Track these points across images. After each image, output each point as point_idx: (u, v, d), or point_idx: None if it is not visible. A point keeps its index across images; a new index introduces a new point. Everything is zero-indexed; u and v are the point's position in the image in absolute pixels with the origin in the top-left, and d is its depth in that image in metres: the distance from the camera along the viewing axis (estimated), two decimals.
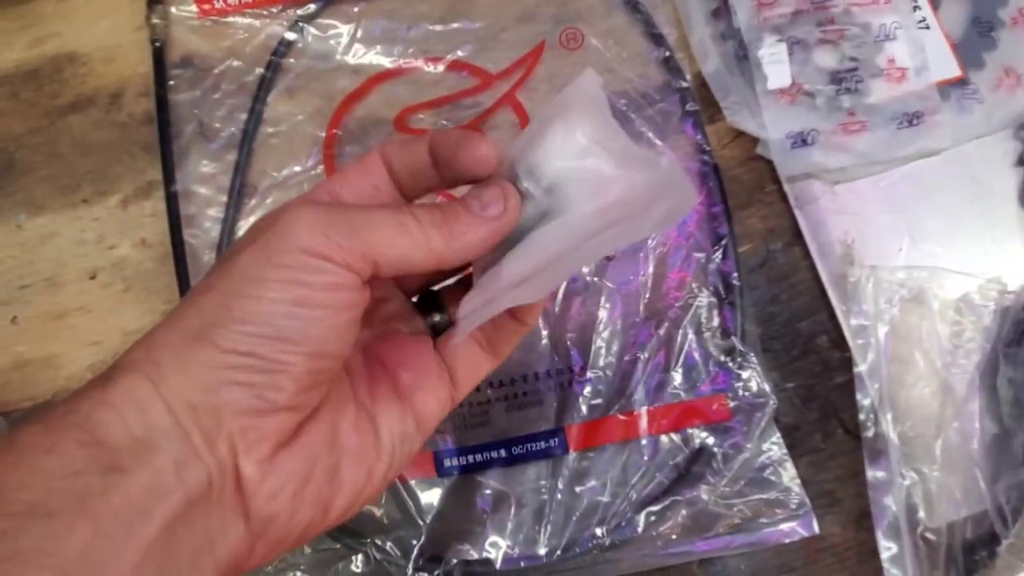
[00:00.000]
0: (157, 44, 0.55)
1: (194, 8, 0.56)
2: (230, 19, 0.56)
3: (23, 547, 0.22)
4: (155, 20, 0.55)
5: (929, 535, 0.46)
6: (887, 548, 0.46)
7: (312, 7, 0.56)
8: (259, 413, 0.27)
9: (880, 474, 0.47)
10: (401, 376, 0.33)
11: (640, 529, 0.47)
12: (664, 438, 0.49)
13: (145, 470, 0.25)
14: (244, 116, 0.54)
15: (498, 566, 0.46)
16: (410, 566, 0.46)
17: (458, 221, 0.29)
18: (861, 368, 0.49)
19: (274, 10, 0.56)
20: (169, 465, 0.25)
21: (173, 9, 0.56)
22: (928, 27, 0.54)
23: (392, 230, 0.28)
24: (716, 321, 0.50)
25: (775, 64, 0.54)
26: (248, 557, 0.28)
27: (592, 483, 0.48)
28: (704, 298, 0.51)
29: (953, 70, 0.54)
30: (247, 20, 0.56)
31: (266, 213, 0.29)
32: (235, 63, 0.55)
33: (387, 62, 0.55)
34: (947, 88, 0.54)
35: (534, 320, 0.37)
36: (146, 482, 0.25)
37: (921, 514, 0.46)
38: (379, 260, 0.28)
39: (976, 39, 0.54)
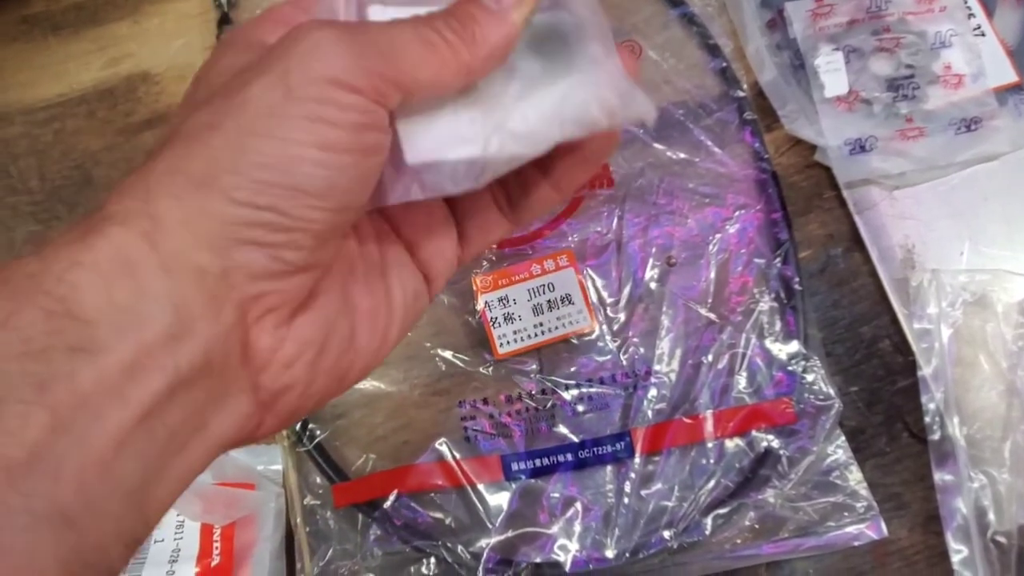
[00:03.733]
0: None
1: None
2: None
3: None
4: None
5: (1000, 538, 0.46)
6: (957, 551, 0.46)
7: None
8: (276, 276, 0.23)
9: (948, 477, 0.47)
10: (405, 230, 0.30)
11: (708, 532, 0.47)
12: (729, 442, 0.49)
13: (126, 346, 0.20)
14: None
15: (567, 569, 0.47)
16: (480, 569, 0.46)
17: (478, 24, 0.25)
18: (925, 371, 0.49)
19: None
20: (159, 339, 0.21)
21: None
22: (983, 34, 0.55)
23: (420, 48, 0.24)
24: (778, 325, 0.51)
25: (832, 72, 0.54)
26: (255, 430, 0.25)
27: (659, 486, 0.48)
28: (766, 303, 0.51)
29: (1010, 76, 0.54)
30: None
31: (255, 62, 0.24)
32: None
33: None
34: (1004, 93, 0.54)
35: (571, 190, 0.31)
36: (125, 361, 0.20)
37: (991, 517, 0.46)
38: (410, 86, 0.24)
39: None
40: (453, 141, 0.26)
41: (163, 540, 0.48)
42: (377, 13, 0.26)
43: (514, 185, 0.31)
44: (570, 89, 0.26)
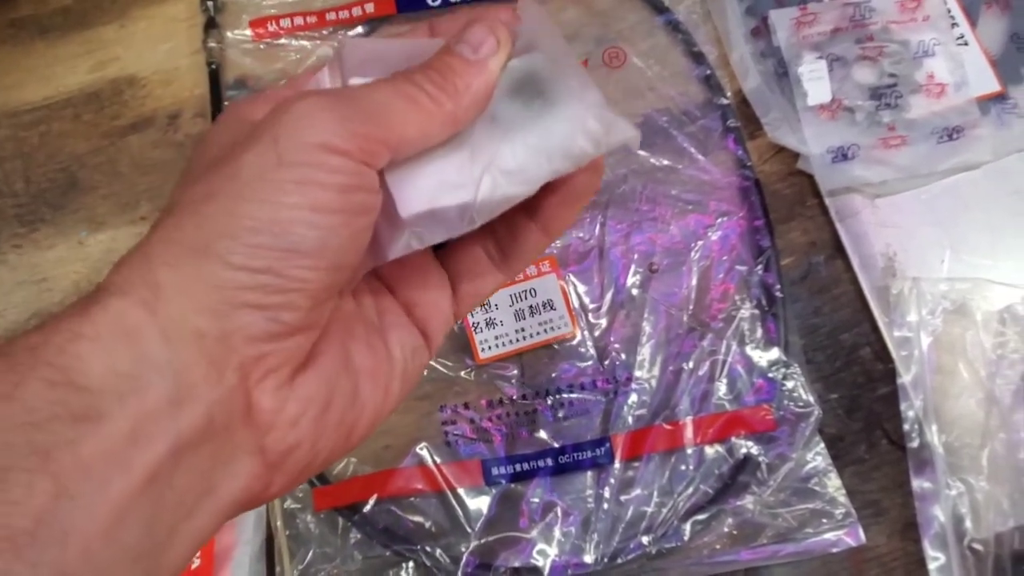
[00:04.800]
0: (213, 67, 0.57)
1: (248, 32, 0.58)
2: (282, 41, 0.58)
3: None
4: (211, 44, 0.57)
5: (976, 545, 0.46)
6: (934, 558, 0.46)
7: (361, 29, 0.58)
8: (275, 337, 0.24)
9: (926, 484, 0.47)
10: (401, 290, 0.31)
11: (686, 538, 0.47)
12: (709, 448, 0.49)
13: (128, 413, 0.21)
14: None
15: (546, 574, 0.47)
16: (459, 573, 0.47)
17: (456, 73, 0.26)
18: (905, 379, 0.49)
19: (325, 32, 0.58)
20: (160, 405, 0.21)
21: (228, 33, 0.58)
22: (966, 43, 0.55)
23: (404, 105, 0.25)
24: (759, 332, 0.51)
25: (815, 81, 0.54)
26: (263, 491, 0.25)
27: (638, 492, 0.48)
28: (747, 310, 0.51)
29: (992, 85, 0.55)
30: (299, 42, 0.58)
31: (247, 135, 0.25)
32: None
33: None
34: (987, 103, 0.54)
35: (560, 231, 0.32)
36: (127, 428, 0.21)
37: (968, 524, 0.46)
38: (398, 143, 0.25)
39: (1015, 55, 0.55)
40: (444, 189, 0.26)
41: None
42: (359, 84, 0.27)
43: (504, 234, 0.31)
44: (554, 123, 0.27)
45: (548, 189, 0.29)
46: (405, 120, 0.25)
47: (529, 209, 0.30)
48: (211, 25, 0.58)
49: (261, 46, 0.58)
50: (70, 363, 0.21)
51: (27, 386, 0.20)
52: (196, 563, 0.48)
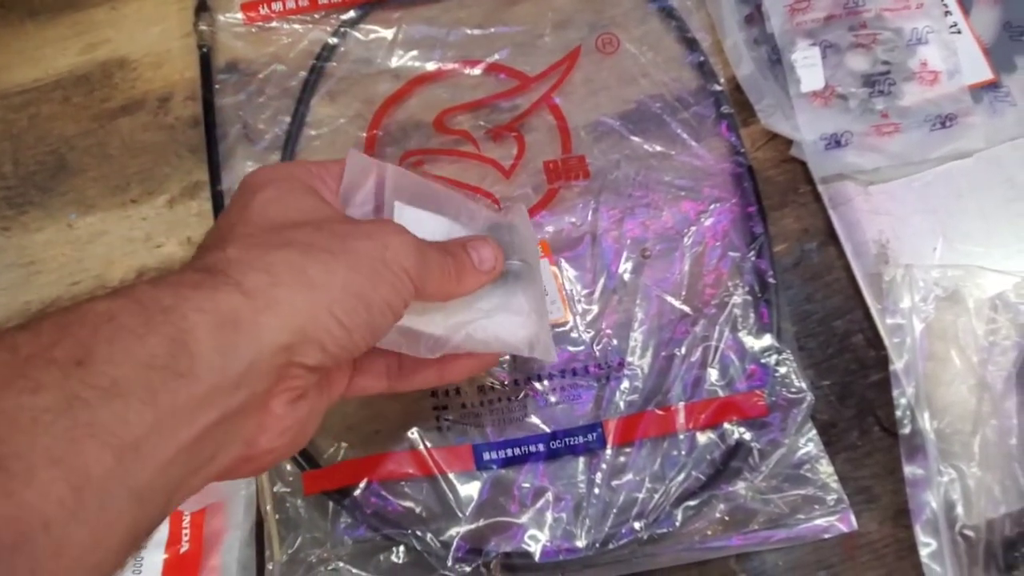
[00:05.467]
0: (204, 50, 0.57)
1: (240, 15, 0.58)
2: (274, 25, 0.58)
3: (99, 420, 0.24)
4: (202, 27, 0.57)
5: (968, 532, 0.46)
6: (926, 544, 0.46)
7: (354, 13, 0.58)
8: (313, 370, 0.31)
9: (918, 471, 0.47)
10: None
11: (678, 524, 0.47)
12: (701, 434, 0.49)
13: (211, 381, 0.27)
14: (287, 119, 0.56)
15: (537, 559, 0.47)
16: (450, 558, 0.46)
17: (466, 272, 0.38)
18: (897, 366, 0.49)
19: (317, 16, 0.57)
20: (229, 382, 0.28)
21: (220, 16, 0.58)
22: (959, 31, 0.55)
23: (439, 271, 0.36)
24: (752, 319, 0.51)
25: (808, 68, 0.54)
26: (230, 474, 0.32)
27: (630, 477, 0.48)
28: (739, 296, 0.51)
29: (985, 73, 0.55)
30: (291, 26, 0.57)
31: (353, 223, 0.36)
32: (279, 68, 0.57)
33: (427, 66, 0.57)
34: (979, 91, 0.54)
35: (451, 381, 0.45)
36: (204, 392, 0.27)
37: (959, 511, 0.46)
38: (425, 289, 0.35)
39: (1008, 43, 0.55)
40: (431, 324, 0.39)
41: None
42: (401, 210, 0.40)
43: (409, 362, 0.41)
44: (513, 327, 0.42)
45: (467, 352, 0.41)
46: (436, 279, 0.36)
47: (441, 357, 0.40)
48: (202, 8, 0.58)
49: (253, 29, 0.57)
50: (189, 328, 0.27)
51: (154, 337, 0.26)
52: (185, 547, 0.47)
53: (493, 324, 0.41)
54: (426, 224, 0.40)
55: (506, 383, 0.50)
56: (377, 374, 0.41)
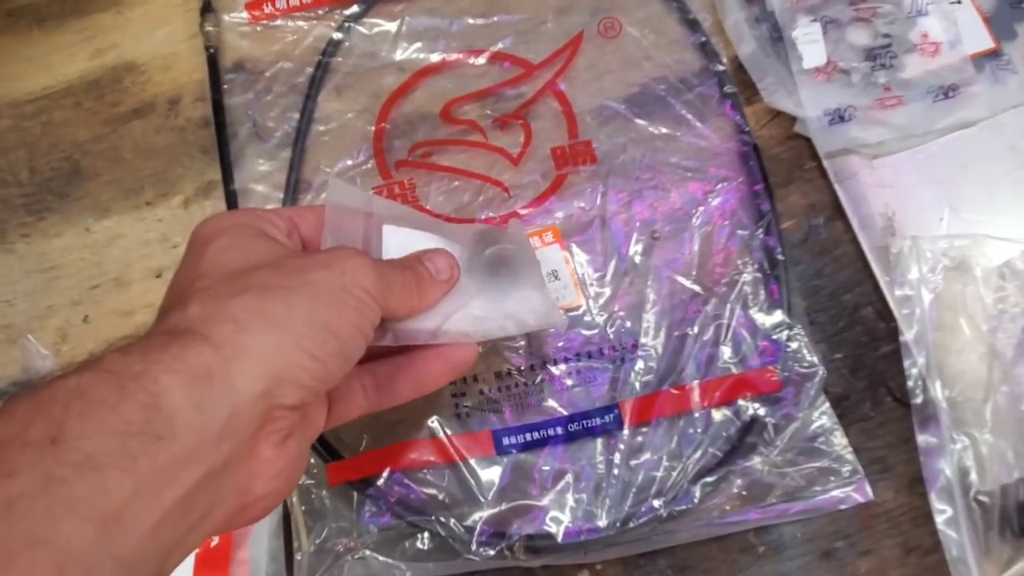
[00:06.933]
0: (211, 51, 0.57)
1: (245, 14, 0.58)
2: (279, 23, 0.58)
3: (77, 495, 0.24)
4: (208, 28, 0.58)
5: (982, 498, 0.47)
6: (941, 511, 0.47)
7: (357, 8, 0.58)
8: (295, 408, 0.32)
9: (931, 439, 0.48)
10: None
11: (696, 500, 0.48)
12: (716, 411, 0.50)
13: (192, 439, 0.27)
14: (296, 115, 0.56)
15: (560, 540, 0.47)
16: (474, 542, 0.47)
17: (424, 284, 0.39)
18: (907, 337, 0.49)
19: (321, 12, 0.58)
20: (213, 438, 0.28)
21: (225, 16, 0.58)
22: (959, 1, 0.55)
23: (400, 288, 0.37)
24: (762, 295, 0.51)
25: (810, 44, 0.55)
26: (225, 527, 0.32)
27: (647, 457, 0.49)
28: (749, 273, 0.52)
29: (986, 42, 0.55)
30: (295, 23, 0.58)
31: (308, 256, 0.36)
32: (286, 65, 0.57)
33: (431, 57, 0.57)
34: (981, 60, 0.54)
35: (428, 391, 0.42)
36: (185, 451, 0.27)
37: (973, 477, 0.47)
38: (388, 306, 0.36)
39: (1008, 11, 0.55)
40: (424, 321, 0.40)
41: None
42: (390, 232, 0.41)
43: (384, 376, 0.41)
44: (517, 301, 0.42)
45: (433, 358, 0.41)
46: (396, 299, 0.37)
47: (415, 366, 0.41)
48: (207, 8, 0.58)
49: (258, 28, 0.58)
50: (162, 391, 0.27)
51: (127, 405, 0.26)
52: (215, 541, 0.48)
53: (497, 300, 0.42)
54: (416, 242, 0.42)
55: (522, 368, 0.51)
56: (354, 398, 0.41)
